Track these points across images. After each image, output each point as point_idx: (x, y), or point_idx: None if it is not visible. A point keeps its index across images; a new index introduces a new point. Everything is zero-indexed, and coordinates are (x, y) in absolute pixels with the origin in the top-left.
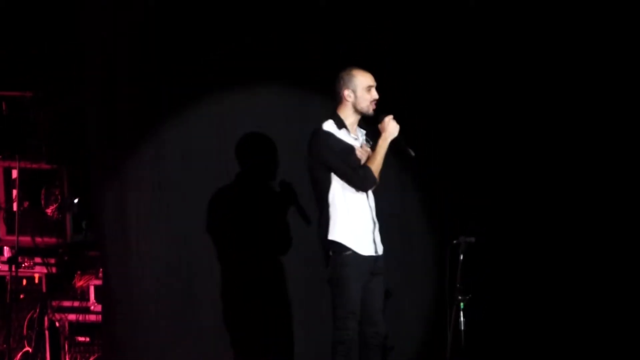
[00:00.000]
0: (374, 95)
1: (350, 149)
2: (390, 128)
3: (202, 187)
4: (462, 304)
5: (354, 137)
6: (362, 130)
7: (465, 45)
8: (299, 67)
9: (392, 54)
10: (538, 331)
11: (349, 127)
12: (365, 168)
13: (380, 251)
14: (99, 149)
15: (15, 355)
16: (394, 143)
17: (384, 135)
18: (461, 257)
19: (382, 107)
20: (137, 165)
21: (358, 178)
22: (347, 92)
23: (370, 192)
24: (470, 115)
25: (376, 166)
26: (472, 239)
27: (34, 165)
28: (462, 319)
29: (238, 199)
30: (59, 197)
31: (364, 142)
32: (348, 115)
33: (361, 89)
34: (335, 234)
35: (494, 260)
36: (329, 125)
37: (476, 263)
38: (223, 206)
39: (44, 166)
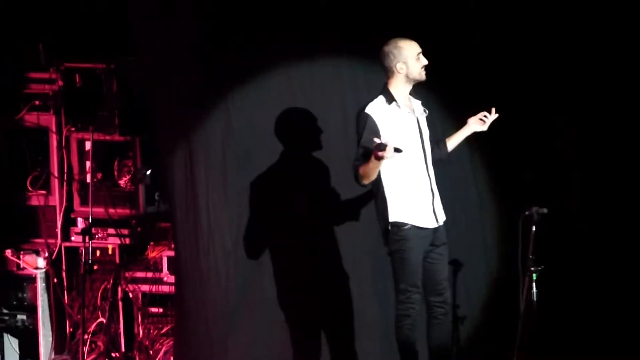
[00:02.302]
0: (423, 61)
1: (365, 142)
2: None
3: (270, 159)
4: (534, 275)
5: (406, 110)
6: (417, 100)
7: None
8: (366, 41)
9: None
10: (612, 302)
11: (400, 99)
12: (355, 168)
13: (441, 221)
14: (167, 121)
15: (89, 326)
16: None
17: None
18: (533, 229)
19: None
20: (205, 137)
21: (353, 168)
22: (399, 65)
23: (429, 162)
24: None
25: (362, 172)
26: (545, 210)
27: (107, 137)
28: (534, 290)
29: (306, 171)
30: (132, 168)
31: (421, 112)
32: (399, 87)
33: (412, 58)
34: (393, 214)
35: (567, 232)
36: (374, 105)
37: (549, 234)
38: (290, 179)
39: (117, 138)
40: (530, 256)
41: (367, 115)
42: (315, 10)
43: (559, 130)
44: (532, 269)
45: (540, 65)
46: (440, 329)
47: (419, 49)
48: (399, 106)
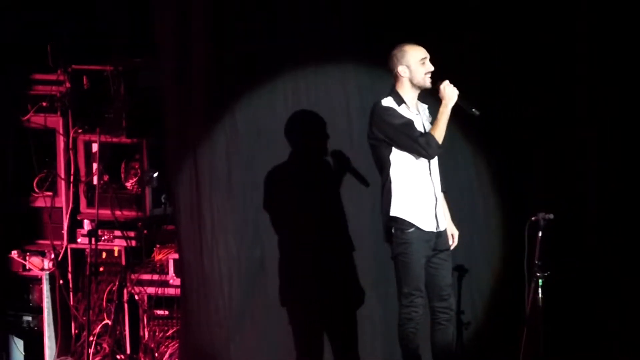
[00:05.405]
0: (428, 67)
1: (410, 122)
2: (448, 93)
3: (275, 163)
4: (540, 281)
5: (415, 112)
6: (423, 104)
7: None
8: (371, 44)
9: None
10: (617, 307)
11: (408, 103)
12: (428, 135)
13: (442, 227)
14: (174, 124)
15: (95, 328)
16: (457, 106)
17: (444, 102)
18: (540, 234)
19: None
20: (211, 140)
21: (420, 146)
22: (401, 69)
23: (434, 168)
24: None
25: (439, 133)
26: (551, 216)
27: (114, 139)
28: (540, 295)
29: (309, 174)
30: (139, 170)
31: (427, 116)
32: (406, 92)
33: (414, 62)
34: (397, 209)
35: (573, 237)
36: (388, 101)
37: (555, 240)
38: (293, 181)
39: (124, 140)
40: (536, 261)
41: (387, 107)
42: (320, 15)
43: (572, 138)
44: (538, 274)
45: (546, 67)
46: (443, 335)
47: (424, 55)
48: (408, 108)
